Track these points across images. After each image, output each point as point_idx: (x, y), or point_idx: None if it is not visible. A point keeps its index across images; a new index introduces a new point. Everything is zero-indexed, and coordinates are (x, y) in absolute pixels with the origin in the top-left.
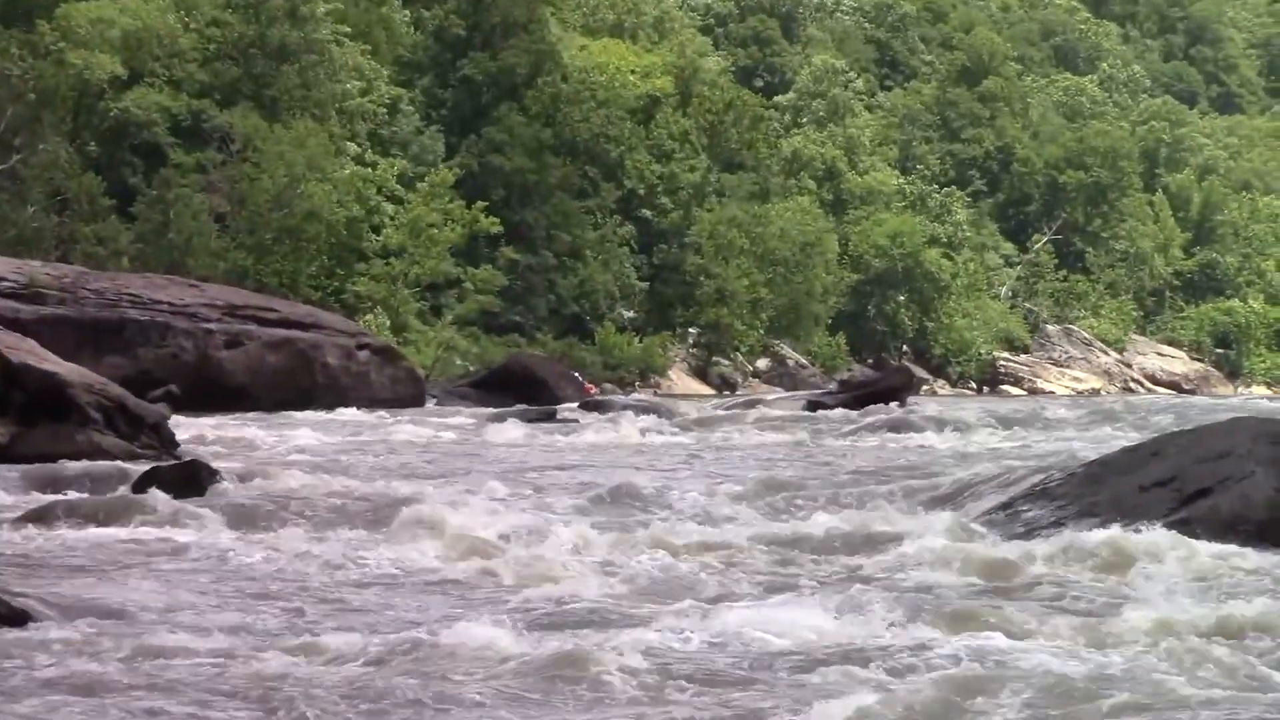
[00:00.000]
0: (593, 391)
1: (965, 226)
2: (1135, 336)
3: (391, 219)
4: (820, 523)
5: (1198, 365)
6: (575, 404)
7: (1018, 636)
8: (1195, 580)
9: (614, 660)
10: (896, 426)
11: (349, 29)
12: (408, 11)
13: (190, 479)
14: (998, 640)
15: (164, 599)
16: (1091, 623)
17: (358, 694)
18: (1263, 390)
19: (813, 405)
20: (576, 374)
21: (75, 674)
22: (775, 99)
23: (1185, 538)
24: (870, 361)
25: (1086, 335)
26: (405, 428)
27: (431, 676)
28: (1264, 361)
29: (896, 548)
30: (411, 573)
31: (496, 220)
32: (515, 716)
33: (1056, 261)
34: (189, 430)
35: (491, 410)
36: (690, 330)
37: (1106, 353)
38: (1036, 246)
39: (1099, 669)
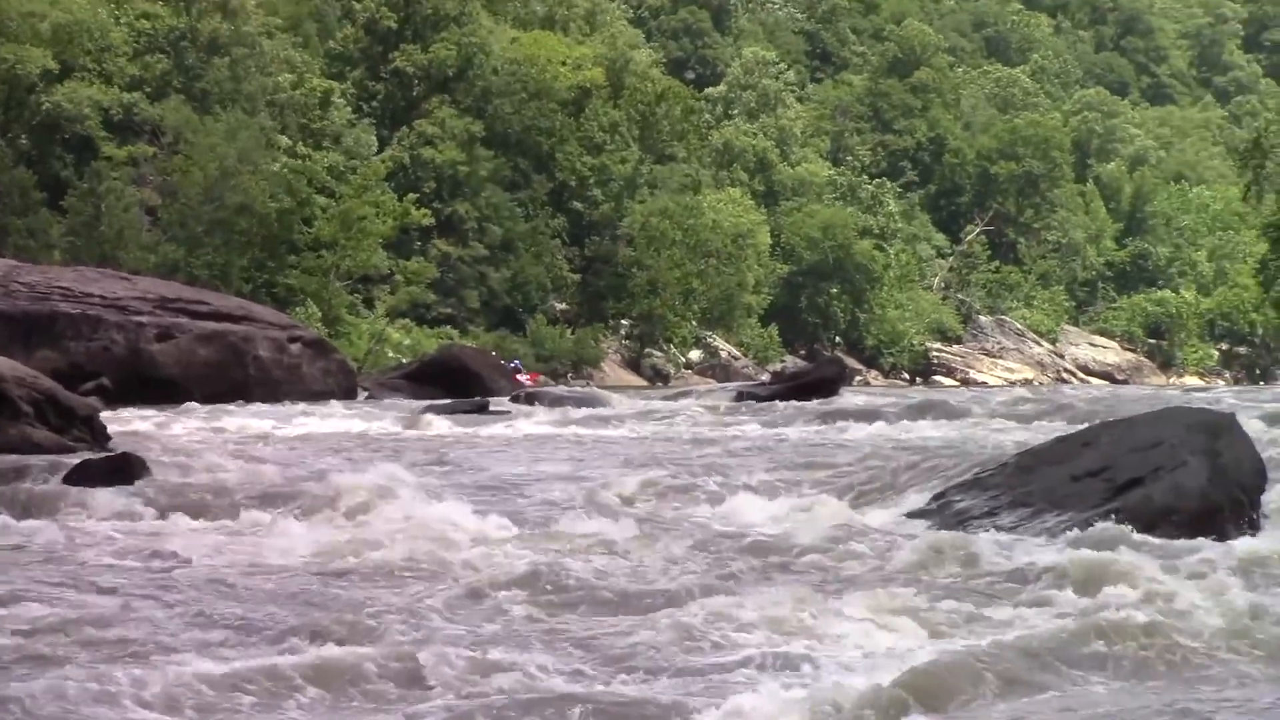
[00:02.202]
0: (536, 380)
1: (897, 218)
2: (1068, 327)
3: (323, 211)
4: (744, 513)
5: (1130, 355)
6: (507, 396)
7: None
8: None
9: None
10: (829, 417)
11: (280, 21)
12: (338, 4)
13: (121, 471)
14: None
15: (88, 592)
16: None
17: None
18: (1195, 380)
19: (745, 396)
20: (516, 363)
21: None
22: (706, 91)
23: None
24: (803, 353)
25: (1019, 326)
26: (335, 420)
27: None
28: (1196, 351)
29: (824, 540)
30: (321, 560)
31: (428, 212)
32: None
33: (989, 252)
34: (121, 423)
35: (423, 403)
36: (623, 322)
37: (1039, 343)
38: (969, 237)
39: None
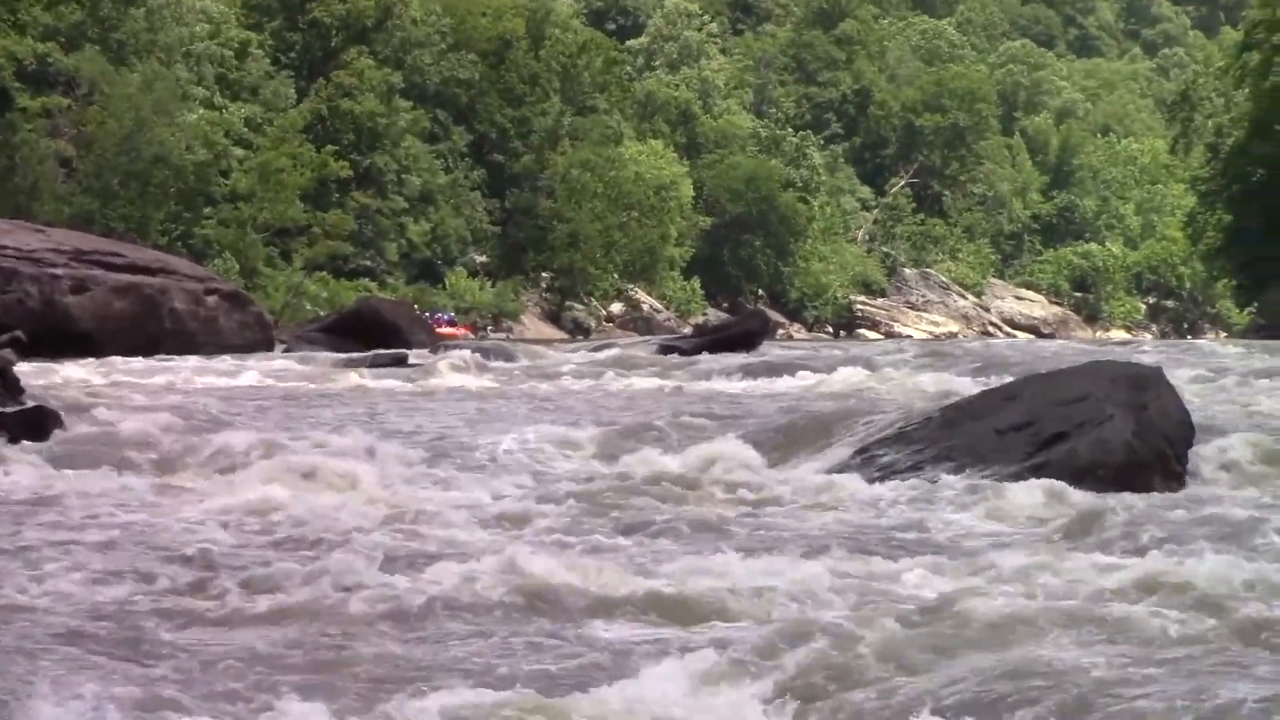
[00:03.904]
0: (468, 333)
1: (821, 170)
2: (993, 280)
3: (240, 163)
4: (664, 466)
5: (1056, 309)
6: (426, 349)
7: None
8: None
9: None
10: (752, 371)
11: None
12: None
13: (34, 424)
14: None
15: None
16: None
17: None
18: (1121, 334)
19: (667, 349)
20: (450, 315)
21: None
22: (628, 42)
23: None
24: (726, 306)
25: (944, 279)
26: (250, 374)
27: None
28: (1123, 305)
29: (745, 491)
30: (229, 514)
31: (346, 164)
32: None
33: (914, 205)
34: (35, 377)
35: (340, 355)
36: (543, 275)
37: (964, 296)
38: (893, 190)
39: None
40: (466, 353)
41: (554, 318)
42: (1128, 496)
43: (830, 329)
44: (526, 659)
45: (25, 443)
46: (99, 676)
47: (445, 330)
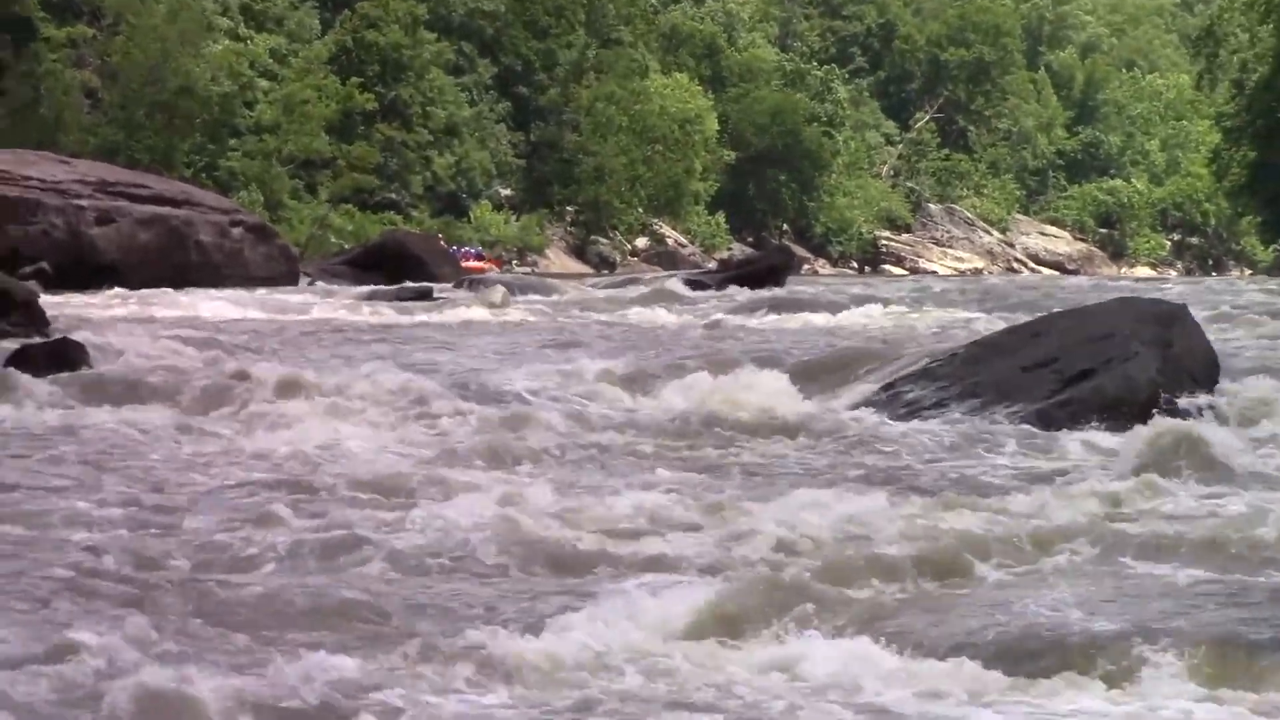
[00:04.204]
0: (495, 266)
1: (846, 104)
2: (1018, 216)
3: (265, 95)
4: (690, 402)
5: (1081, 245)
6: (451, 283)
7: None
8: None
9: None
10: (776, 306)
11: None
12: None
13: (60, 357)
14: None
15: (25, 478)
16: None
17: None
18: (1146, 270)
19: (691, 284)
20: (478, 249)
21: None
22: None
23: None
24: (750, 241)
25: (969, 215)
26: (275, 307)
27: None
28: (1148, 242)
29: (771, 428)
30: (253, 450)
31: (371, 97)
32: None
33: (939, 140)
34: (60, 308)
35: (365, 288)
36: (568, 209)
37: (989, 232)
38: (918, 125)
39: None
40: (493, 287)
41: (579, 252)
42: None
43: (855, 265)
44: (554, 597)
45: (51, 375)
46: (113, 616)
47: (473, 264)
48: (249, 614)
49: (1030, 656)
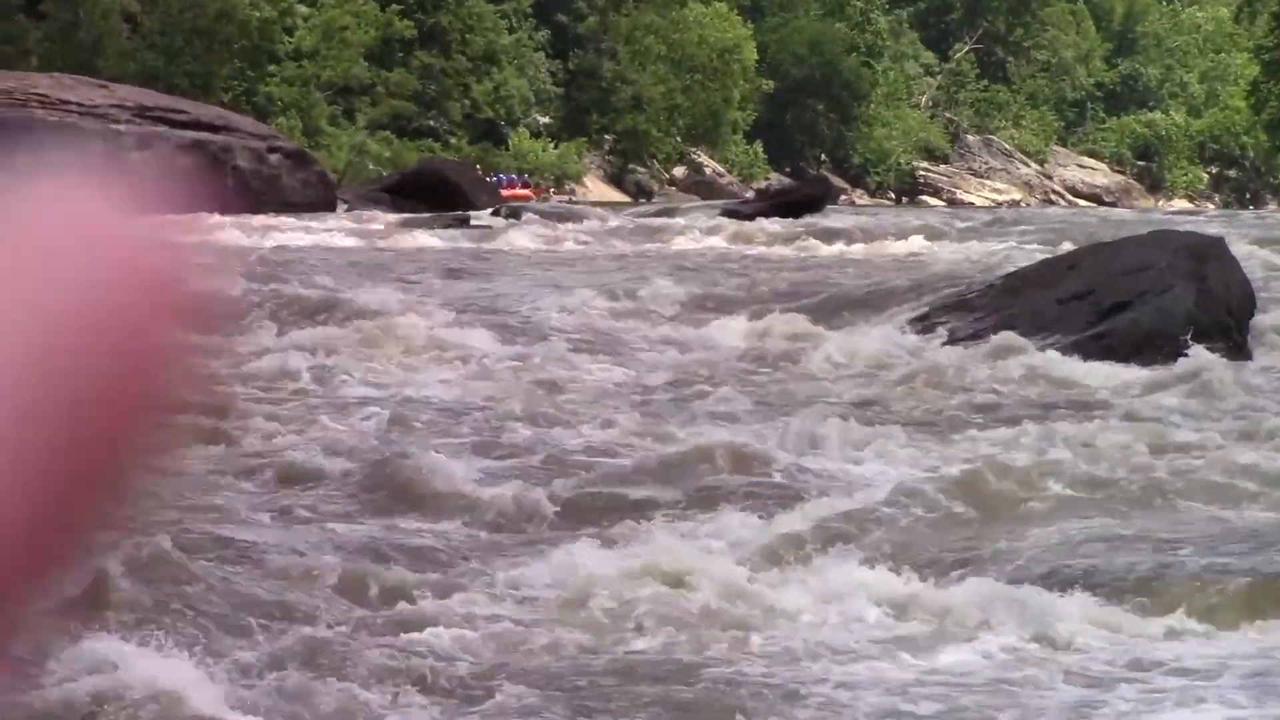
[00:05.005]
0: (538, 195)
1: (885, 35)
2: (1056, 148)
3: (304, 21)
4: (731, 332)
5: (1119, 178)
6: (489, 210)
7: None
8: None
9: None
10: (814, 236)
11: None
12: None
13: None
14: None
15: None
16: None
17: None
18: (1184, 203)
19: (729, 214)
20: (523, 178)
21: None
22: None
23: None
24: (788, 171)
25: (1007, 146)
26: (315, 232)
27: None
28: (1185, 175)
29: (809, 358)
30: (305, 373)
31: (410, 23)
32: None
33: (977, 71)
34: None
35: (402, 215)
36: (606, 137)
37: (1027, 164)
38: (957, 56)
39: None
40: (528, 214)
41: (616, 180)
42: (1188, 366)
43: (893, 195)
44: (616, 517)
45: None
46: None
47: (518, 192)
48: (289, 541)
49: (1106, 588)
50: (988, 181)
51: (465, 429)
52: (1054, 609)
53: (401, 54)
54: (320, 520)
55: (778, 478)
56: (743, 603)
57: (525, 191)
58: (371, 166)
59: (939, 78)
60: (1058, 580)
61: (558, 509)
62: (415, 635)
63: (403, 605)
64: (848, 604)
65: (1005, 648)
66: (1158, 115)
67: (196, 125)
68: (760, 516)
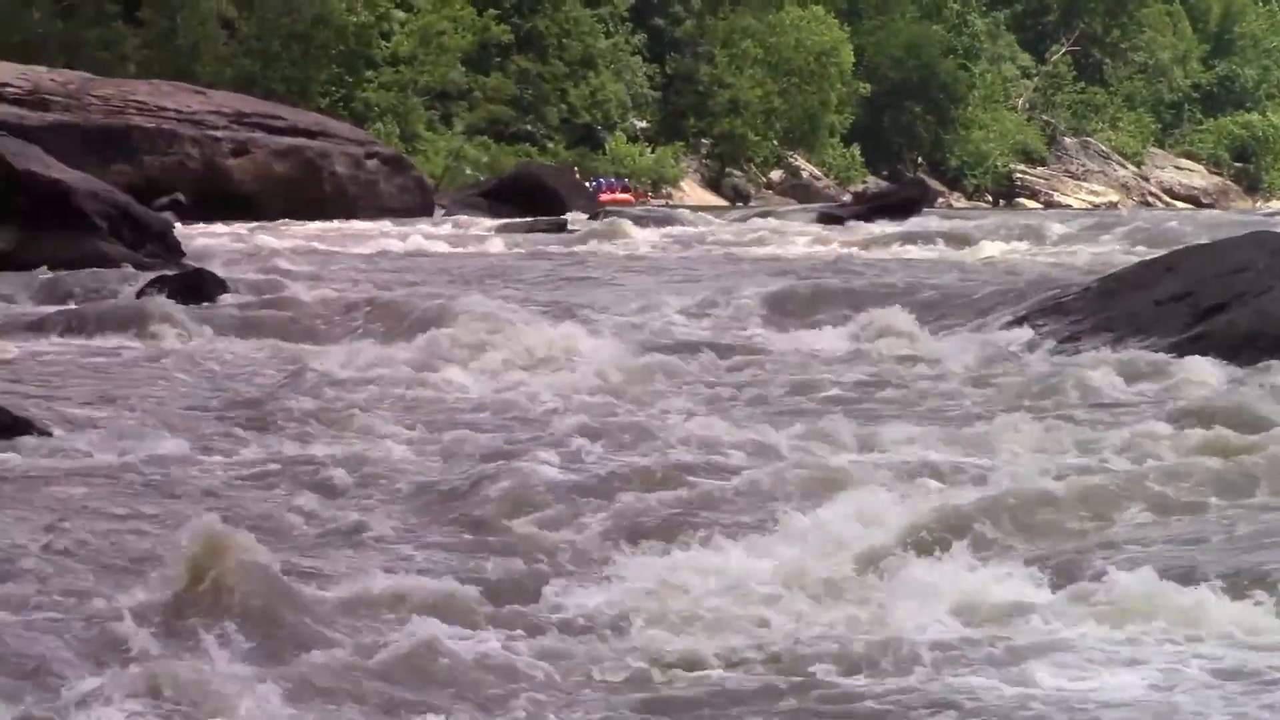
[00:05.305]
0: (639, 199)
1: (983, 37)
2: (1153, 150)
3: (401, 26)
4: (829, 335)
5: (1216, 179)
6: (586, 215)
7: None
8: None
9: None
10: (911, 239)
11: None
12: None
13: (197, 287)
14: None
15: (168, 408)
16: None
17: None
18: None
19: (827, 217)
20: (624, 181)
21: (77, 484)
22: None
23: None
24: (885, 174)
25: (1104, 148)
26: (413, 238)
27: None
28: None
29: (909, 360)
30: (409, 382)
31: (507, 28)
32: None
33: (1074, 73)
34: (195, 239)
35: (500, 220)
36: (703, 141)
37: (1124, 166)
38: (1054, 58)
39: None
40: (628, 219)
41: (713, 184)
42: None
43: (990, 198)
44: (729, 514)
45: (187, 306)
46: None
47: (619, 196)
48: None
49: (1241, 587)
50: (1085, 184)
51: (569, 435)
52: (1194, 606)
53: (498, 59)
54: (422, 529)
55: (882, 478)
56: (857, 606)
57: (626, 196)
58: (469, 171)
59: (1036, 80)
60: (1193, 577)
61: (663, 514)
62: (523, 640)
63: (510, 608)
64: (969, 607)
65: (1145, 647)
66: (1255, 116)
67: (294, 131)
68: (866, 517)
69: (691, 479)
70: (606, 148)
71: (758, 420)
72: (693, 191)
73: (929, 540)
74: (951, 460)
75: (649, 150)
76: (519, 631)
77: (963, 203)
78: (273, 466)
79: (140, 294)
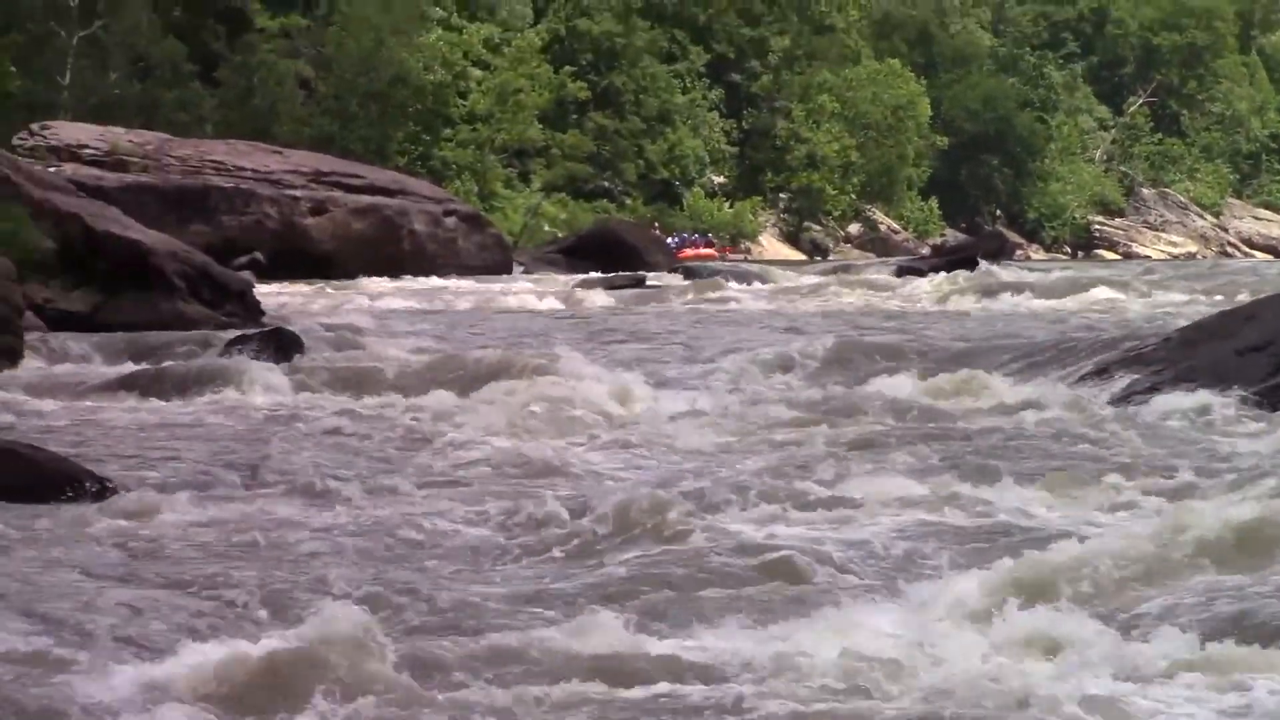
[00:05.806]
0: (722, 254)
1: (1059, 89)
2: (1231, 200)
3: (479, 84)
4: (909, 387)
5: None
6: (665, 271)
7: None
8: None
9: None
10: (990, 291)
11: None
12: None
13: (277, 346)
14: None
15: (253, 467)
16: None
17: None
18: None
19: (906, 270)
20: (708, 237)
21: (158, 544)
22: None
23: None
24: (963, 226)
25: (1182, 199)
26: (494, 295)
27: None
28: None
29: (992, 411)
30: (496, 438)
31: (584, 85)
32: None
33: (1151, 124)
34: (274, 298)
35: (580, 276)
36: (781, 195)
37: (1202, 216)
38: (1131, 109)
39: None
40: (704, 275)
41: (792, 238)
42: None
43: (1068, 249)
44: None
45: (267, 365)
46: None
47: (702, 252)
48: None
49: None
50: (1163, 234)
51: (655, 491)
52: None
53: (575, 115)
54: (520, 578)
55: (963, 532)
56: (944, 663)
57: (709, 251)
58: (547, 228)
59: (1113, 131)
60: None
61: (744, 565)
62: (622, 690)
63: (601, 656)
64: (1058, 660)
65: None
66: None
67: (372, 189)
68: (945, 574)
69: (762, 532)
70: (684, 203)
71: (825, 477)
72: (771, 246)
73: (1000, 596)
74: (1011, 514)
75: (727, 205)
76: (608, 682)
77: (1041, 254)
78: (362, 517)
79: (221, 353)
